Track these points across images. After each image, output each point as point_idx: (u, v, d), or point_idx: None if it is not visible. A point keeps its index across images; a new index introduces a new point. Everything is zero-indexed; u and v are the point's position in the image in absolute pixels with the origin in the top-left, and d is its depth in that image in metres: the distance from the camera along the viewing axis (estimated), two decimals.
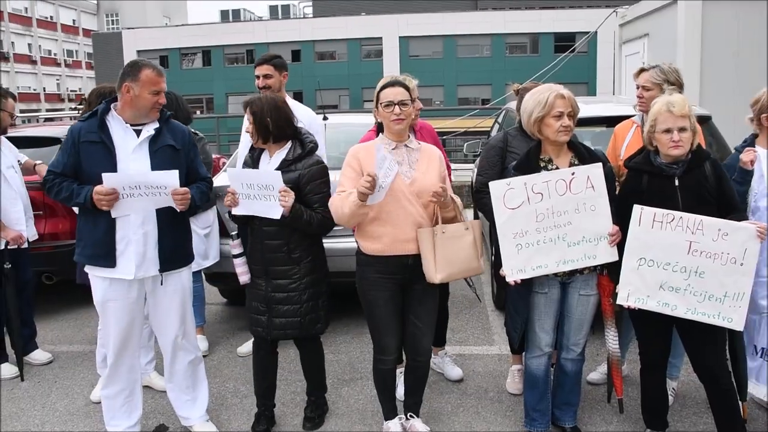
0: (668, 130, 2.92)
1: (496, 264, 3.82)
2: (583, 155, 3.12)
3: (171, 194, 3.15)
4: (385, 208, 3.10)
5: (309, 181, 3.34)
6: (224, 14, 52.93)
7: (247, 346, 4.66)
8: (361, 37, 38.77)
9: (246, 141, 4.24)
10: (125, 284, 3.24)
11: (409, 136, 3.28)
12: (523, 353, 3.56)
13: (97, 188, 3.07)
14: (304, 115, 4.32)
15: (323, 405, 3.82)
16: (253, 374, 3.65)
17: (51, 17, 57.59)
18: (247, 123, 3.47)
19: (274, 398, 3.70)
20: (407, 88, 3.20)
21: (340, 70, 38.17)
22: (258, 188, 3.26)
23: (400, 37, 38.16)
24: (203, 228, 4.62)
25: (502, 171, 3.59)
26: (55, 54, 57.93)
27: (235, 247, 3.48)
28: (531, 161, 3.13)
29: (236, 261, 3.48)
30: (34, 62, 55.27)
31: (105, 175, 3.07)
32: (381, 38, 38.53)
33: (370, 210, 3.08)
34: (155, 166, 3.21)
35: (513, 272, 3.03)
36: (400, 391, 3.65)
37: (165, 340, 3.47)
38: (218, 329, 5.22)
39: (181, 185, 3.21)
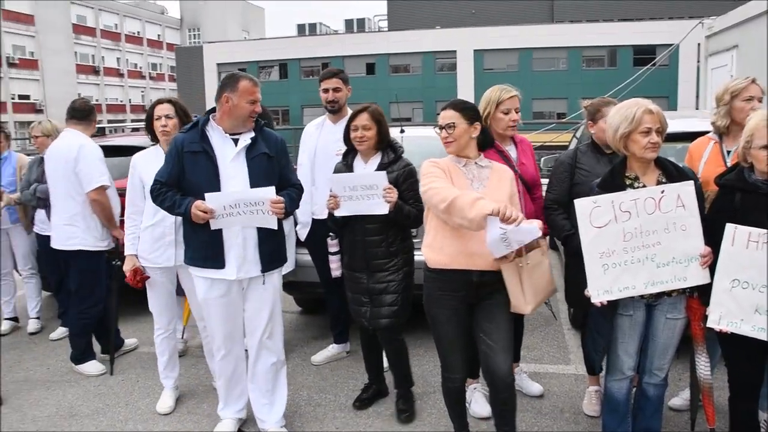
0: (767, 146, 2.79)
1: (570, 284, 3.76)
2: (672, 173, 3.01)
3: (269, 204, 3.28)
4: None
5: (405, 180, 3.64)
6: (301, 28, 54.03)
7: (321, 355, 4.71)
8: (435, 51, 38.86)
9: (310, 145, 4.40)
10: (225, 284, 3.43)
11: (480, 155, 3.20)
12: (600, 374, 3.45)
13: (197, 203, 3.25)
14: None
15: (412, 397, 3.96)
16: (363, 355, 4.05)
17: (138, 32, 60.30)
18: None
19: (382, 374, 4.09)
20: (460, 110, 3.14)
21: (414, 83, 38.35)
22: (362, 189, 3.53)
23: (474, 50, 38.03)
24: None
25: (570, 188, 3.50)
26: (140, 67, 60.57)
27: (332, 246, 3.81)
28: (616, 179, 3.03)
29: (332, 258, 3.83)
30: (121, 75, 57.94)
31: (207, 195, 3.25)
32: (455, 51, 38.50)
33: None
34: (252, 173, 3.38)
35: (599, 293, 2.93)
36: (474, 409, 3.60)
37: (252, 339, 3.61)
38: (293, 338, 5.29)
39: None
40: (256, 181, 3.38)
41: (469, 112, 3.13)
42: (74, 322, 4.76)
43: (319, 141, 4.44)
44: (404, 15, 43.37)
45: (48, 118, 5.53)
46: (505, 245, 2.87)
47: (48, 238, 5.30)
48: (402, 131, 5.27)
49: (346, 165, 3.79)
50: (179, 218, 3.88)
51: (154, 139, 4.05)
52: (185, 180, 3.39)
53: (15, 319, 5.87)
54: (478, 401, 3.91)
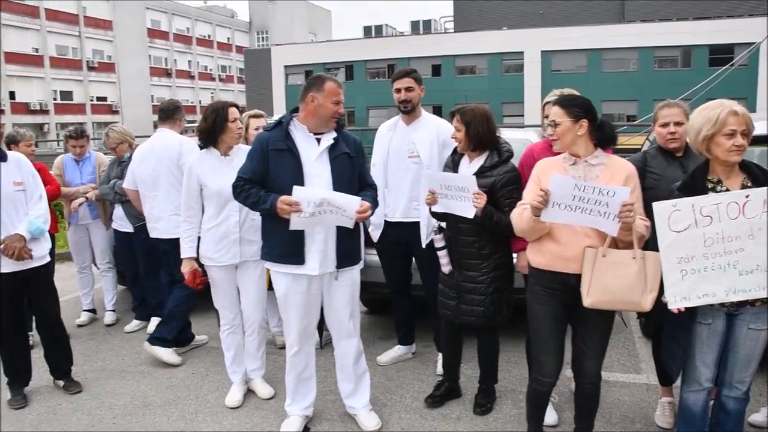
0: None
1: None
2: (758, 176, 2.87)
3: (355, 215, 3.36)
4: (553, 224, 3.05)
5: (502, 186, 3.61)
6: (367, 30, 54.39)
7: (387, 356, 4.72)
8: (502, 52, 38.45)
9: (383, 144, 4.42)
10: (307, 280, 3.52)
11: (594, 151, 3.09)
12: (675, 385, 3.34)
13: (283, 197, 3.30)
14: (441, 128, 4.33)
15: (493, 393, 4.04)
16: (442, 350, 4.19)
17: (209, 36, 61.98)
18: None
19: (458, 372, 4.12)
20: (565, 107, 3.07)
21: (480, 85, 38.06)
22: (455, 189, 3.58)
23: (542, 51, 37.43)
24: None
25: (643, 191, 3.40)
26: (210, 69, 62.25)
27: (438, 240, 3.82)
28: (697, 182, 2.92)
29: (440, 253, 3.81)
30: (192, 77, 59.68)
31: (296, 188, 3.29)
32: (522, 52, 38.00)
33: (545, 225, 3.03)
34: (335, 172, 3.48)
35: (676, 299, 2.83)
36: (548, 419, 3.64)
37: (338, 331, 3.73)
38: None
39: (352, 191, 3.48)
40: (338, 181, 3.47)
41: (575, 109, 3.04)
42: (174, 310, 4.93)
43: (391, 142, 4.42)
44: (471, 16, 43.11)
45: (112, 126, 5.71)
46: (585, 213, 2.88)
47: (124, 234, 5.53)
48: None
49: (453, 162, 3.87)
50: (243, 216, 4.02)
51: (208, 143, 4.05)
52: (269, 178, 3.46)
53: (93, 311, 6.11)
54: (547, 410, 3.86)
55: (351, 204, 3.36)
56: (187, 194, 4.04)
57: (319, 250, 3.46)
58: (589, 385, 3.25)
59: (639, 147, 9.02)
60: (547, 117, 3.40)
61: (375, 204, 3.62)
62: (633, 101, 34.70)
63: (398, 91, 4.34)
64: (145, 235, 5.42)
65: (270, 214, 3.40)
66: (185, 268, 4.09)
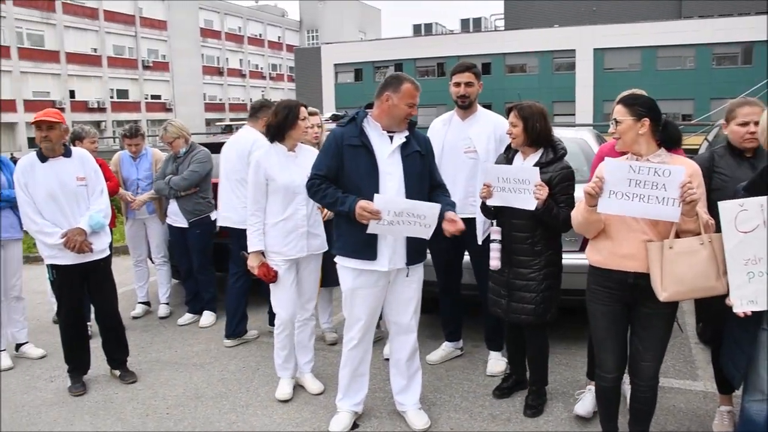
0: None
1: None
2: None
3: (434, 223, 3.38)
4: (608, 220, 3.02)
5: (559, 182, 3.61)
6: (416, 28, 54.29)
7: (436, 354, 4.70)
8: (553, 50, 37.92)
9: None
10: (374, 275, 3.54)
11: (657, 151, 3.01)
12: (732, 393, 3.23)
13: (364, 204, 3.30)
14: (498, 124, 4.30)
15: (544, 395, 3.98)
16: (507, 348, 4.22)
17: (260, 35, 62.85)
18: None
19: (524, 365, 4.06)
20: (628, 105, 3.00)
21: (531, 83, 37.60)
22: (514, 182, 3.59)
23: (594, 49, 36.77)
24: None
25: (709, 193, 3.29)
26: (261, 68, 63.13)
27: (495, 232, 3.80)
28: (766, 181, 2.82)
29: (493, 245, 3.79)
30: (243, 76, 60.62)
31: (377, 196, 3.31)
32: (574, 50, 37.40)
33: (600, 218, 3.00)
34: (407, 170, 3.50)
35: (743, 302, 2.73)
36: (577, 407, 3.73)
37: (397, 326, 3.75)
38: None
39: (423, 189, 3.56)
40: (409, 179, 3.50)
41: (638, 108, 2.98)
42: (235, 298, 5.18)
43: (446, 137, 4.38)
44: (522, 13, 42.64)
45: (170, 121, 5.84)
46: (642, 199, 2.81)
47: (178, 229, 5.64)
48: None
49: (506, 158, 3.89)
50: (309, 210, 4.07)
51: (276, 137, 4.09)
52: (343, 173, 3.48)
53: (147, 303, 6.27)
54: (584, 401, 3.86)
55: (431, 212, 3.36)
56: (254, 188, 4.06)
57: (390, 246, 3.49)
58: (645, 388, 3.18)
59: (696, 147, 8.77)
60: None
61: (453, 207, 3.60)
62: (689, 100, 33.77)
63: (458, 85, 4.29)
64: (200, 230, 5.54)
65: (348, 217, 3.40)
66: (254, 262, 4.07)
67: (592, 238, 3.17)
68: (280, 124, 4.04)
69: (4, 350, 5.00)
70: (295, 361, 4.33)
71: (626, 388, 3.54)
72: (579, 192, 3.19)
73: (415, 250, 3.58)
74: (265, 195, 4.05)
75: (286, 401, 4.16)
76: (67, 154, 4.35)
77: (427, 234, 3.42)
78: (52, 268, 4.33)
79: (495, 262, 3.78)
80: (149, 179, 5.92)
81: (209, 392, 4.34)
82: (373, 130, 3.51)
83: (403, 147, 3.52)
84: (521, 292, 3.72)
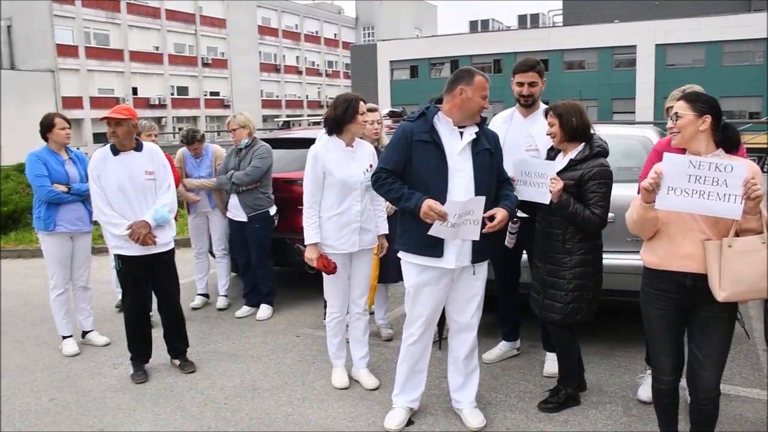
0: None
1: None
2: None
3: (479, 215, 3.35)
4: (665, 219, 2.91)
5: (589, 179, 3.56)
6: (473, 25, 53.90)
7: (492, 353, 4.66)
8: (613, 46, 37.05)
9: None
10: (439, 271, 3.51)
11: (714, 151, 2.90)
12: None
13: (432, 204, 3.27)
14: None
15: (564, 396, 3.90)
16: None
17: (316, 32, 63.46)
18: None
19: (575, 375, 4.00)
20: (691, 101, 2.90)
21: (589, 80, 36.86)
22: (534, 176, 3.66)
23: (656, 44, 35.78)
24: None
25: None
26: (317, 65, 63.74)
27: (513, 227, 3.97)
28: None
29: (510, 225, 3.91)
30: (300, 72, 61.33)
31: (450, 201, 3.30)
32: (635, 46, 36.48)
33: (656, 216, 2.89)
34: (476, 167, 3.45)
35: None
36: (640, 392, 3.65)
37: (458, 324, 3.73)
38: None
39: (491, 186, 3.52)
40: (479, 176, 3.44)
41: (700, 104, 2.88)
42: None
43: (507, 134, 4.29)
44: (581, 9, 41.84)
45: (242, 111, 5.97)
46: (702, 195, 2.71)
47: (238, 223, 5.74)
48: None
49: (549, 158, 3.90)
50: (363, 206, 4.09)
51: (334, 131, 4.10)
52: (411, 169, 3.45)
53: (206, 295, 6.40)
54: (645, 385, 3.86)
55: (477, 206, 3.33)
56: (311, 182, 4.07)
57: (457, 244, 3.44)
58: (705, 400, 3.02)
59: (765, 146, 8.43)
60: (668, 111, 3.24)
61: (513, 206, 3.61)
62: (757, 97, 32.56)
63: (521, 84, 4.21)
64: (259, 224, 5.63)
65: (411, 214, 3.39)
66: (312, 254, 4.08)
67: (648, 238, 3.05)
68: (338, 118, 4.04)
69: (71, 337, 5.19)
70: (345, 351, 4.39)
71: (686, 394, 3.43)
72: (629, 191, 3.09)
73: (480, 247, 3.52)
74: (322, 189, 4.07)
75: (343, 389, 4.22)
76: (138, 148, 4.49)
77: (475, 234, 3.38)
78: (118, 258, 4.47)
79: (510, 241, 3.98)
80: (210, 176, 6.04)
81: (266, 384, 4.40)
82: (444, 126, 3.46)
83: (474, 144, 3.46)
84: (552, 289, 3.70)
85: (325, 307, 5.13)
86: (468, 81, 3.40)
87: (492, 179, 3.55)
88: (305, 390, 4.29)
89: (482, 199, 3.35)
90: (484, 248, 3.57)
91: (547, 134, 3.74)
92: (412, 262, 3.55)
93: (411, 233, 3.50)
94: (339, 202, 4.06)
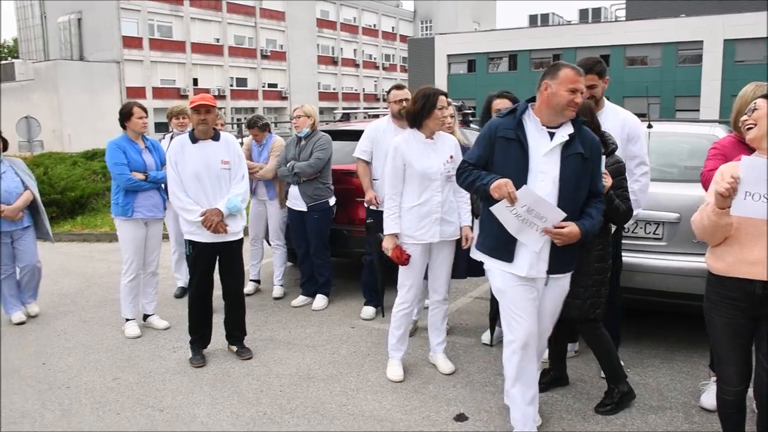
0: None
1: None
2: None
3: (549, 228, 3.12)
4: (735, 223, 2.75)
5: (613, 177, 3.57)
6: (532, 18, 53.09)
7: (548, 353, 4.57)
8: (678, 41, 35.92)
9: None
10: (512, 278, 3.29)
11: None
12: None
13: (509, 181, 3.08)
14: (626, 120, 4.13)
15: (618, 395, 3.81)
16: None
17: (374, 25, 63.58)
18: None
19: (562, 361, 4.14)
20: None
21: (652, 77, 35.81)
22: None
23: (725, 40, 34.51)
24: None
25: None
26: (374, 58, 63.90)
27: None
28: None
29: None
30: (357, 66, 61.61)
31: (525, 187, 3.08)
32: (701, 42, 35.26)
33: (731, 222, 2.73)
34: (564, 172, 3.17)
35: None
36: (703, 399, 3.54)
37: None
38: None
39: (578, 196, 3.22)
40: (565, 183, 3.17)
41: None
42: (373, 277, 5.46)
43: None
44: (644, 3, 40.62)
45: (311, 104, 6.10)
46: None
47: (297, 212, 5.80)
48: (650, 126, 4.95)
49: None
50: (444, 197, 4.09)
51: (414, 125, 4.12)
52: (492, 166, 3.28)
53: (257, 281, 6.51)
54: (709, 392, 3.74)
55: (555, 216, 3.10)
56: (392, 173, 4.12)
57: (531, 252, 3.21)
58: None
59: None
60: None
61: (590, 229, 3.22)
62: None
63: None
64: (318, 214, 5.68)
65: (484, 193, 3.23)
66: (389, 244, 4.13)
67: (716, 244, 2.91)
68: (416, 113, 4.07)
69: (134, 320, 5.34)
70: (406, 345, 4.40)
71: (753, 405, 3.30)
72: (695, 190, 2.96)
73: (560, 258, 3.25)
74: (402, 180, 4.12)
75: (398, 382, 4.22)
76: (216, 137, 4.60)
77: (536, 243, 3.16)
78: (190, 243, 4.59)
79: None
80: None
81: (321, 374, 4.44)
82: (532, 124, 3.23)
83: (566, 146, 3.18)
84: (573, 286, 3.55)
85: (370, 301, 5.23)
86: (552, 75, 3.17)
87: (581, 189, 3.23)
88: (360, 381, 4.31)
89: (561, 215, 3.11)
90: (566, 259, 3.29)
91: None
92: (490, 266, 3.39)
93: (485, 233, 3.38)
94: (419, 193, 4.09)
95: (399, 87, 5.41)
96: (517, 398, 3.40)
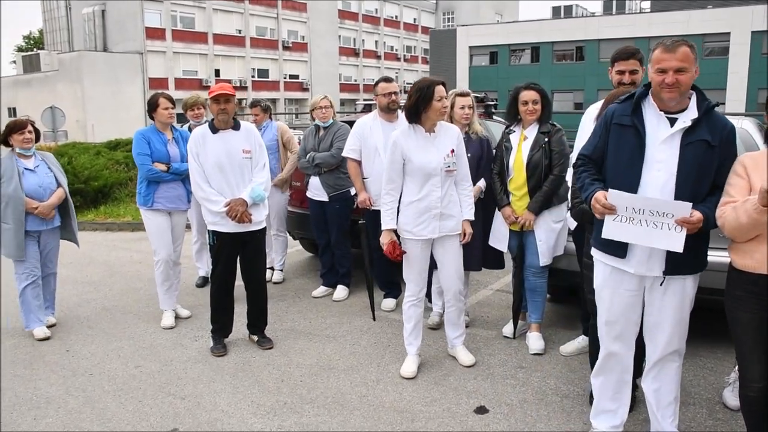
0: None
1: None
2: None
3: (678, 222, 2.78)
4: None
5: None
6: (556, 10, 52.51)
7: (570, 346, 4.54)
8: (704, 33, 35.35)
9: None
10: (625, 276, 3.08)
11: None
12: None
13: (598, 195, 2.91)
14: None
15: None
16: None
17: (396, 16, 63.34)
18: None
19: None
20: None
21: None
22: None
23: (752, 31, 33.88)
24: (556, 222, 4.53)
25: None
26: (396, 50, 63.68)
27: None
28: None
29: None
30: (378, 57, 61.44)
31: (611, 192, 2.88)
32: (729, 33, 34.66)
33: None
34: (683, 161, 2.86)
35: None
36: (726, 395, 3.43)
37: (653, 346, 3.20)
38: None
39: (700, 187, 2.89)
40: (684, 173, 2.86)
41: None
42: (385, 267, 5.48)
43: None
44: None
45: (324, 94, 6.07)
46: None
47: (318, 203, 5.79)
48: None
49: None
50: (444, 191, 4.04)
51: (413, 119, 4.05)
52: (607, 154, 3.05)
53: (271, 268, 6.47)
54: (731, 390, 3.72)
55: (679, 210, 2.77)
56: (390, 167, 4.10)
57: (643, 249, 2.96)
58: None
59: None
60: None
61: (710, 209, 2.85)
62: None
63: (621, 73, 3.93)
64: (339, 204, 5.68)
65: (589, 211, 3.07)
66: (385, 239, 4.13)
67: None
68: (412, 108, 4.02)
69: (170, 311, 5.38)
70: (421, 339, 4.37)
71: None
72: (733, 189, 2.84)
73: (680, 257, 2.89)
74: (401, 175, 4.09)
75: (410, 379, 4.19)
76: (236, 127, 4.60)
77: (678, 244, 2.79)
78: (214, 234, 4.60)
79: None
80: (269, 150, 5.95)
81: (341, 364, 4.44)
82: (651, 110, 2.94)
83: (688, 132, 2.86)
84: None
85: (389, 293, 5.27)
86: (650, 58, 2.95)
87: (704, 179, 2.88)
88: (380, 372, 4.31)
89: (685, 205, 2.77)
90: (688, 259, 2.93)
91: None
92: (599, 260, 3.19)
93: (600, 227, 3.04)
94: (419, 188, 4.05)
95: (387, 79, 5.37)
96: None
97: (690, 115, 2.89)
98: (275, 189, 6.20)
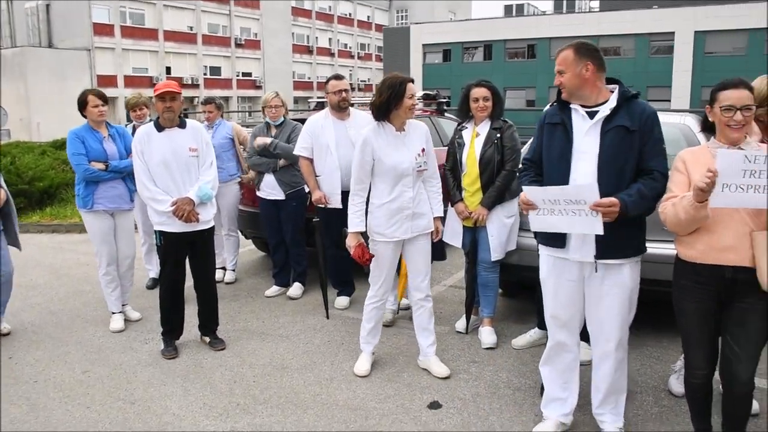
0: None
1: None
2: None
3: (591, 208, 2.91)
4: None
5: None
6: (508, 9, 53.26)
7: (522, 339, 4.61)
8: (650, 32, 36.29)
9: None
10: (566, 265, 3.21)
11: (745, 137, 2.86)
12: None
13: (521, 195, 3.15)
14: None
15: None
16: None
17: (350, 14, 63.23)
18: None
19: None
20: (752, 90, 2.82)
21: (625, 67, 36.10)
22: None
23: (695, 31, 34.93)
24: (508, 217, 4.56)
25: None
26: (350, 47, 63.59)
27: None
28: None
29: None
30: (332, 55, 61.24)
31: (526, 189, 3.12)
32: (673, 33, 35.66)
33: (707, 214, 2.75)
34: (603, 149, 3.02)
35: None
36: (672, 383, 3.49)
37: (593, 338, 3.32)
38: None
39: (624, 172, 3.02)
40: (605, 158, 3.02)
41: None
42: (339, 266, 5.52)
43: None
44: None
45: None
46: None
47: (272, 202, 5.72)
48: None
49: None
50: (415, 191, 3.99)
51: (381, 117, 3.96)
52: (543, 152, 3.26)
53: (222, 268, 6.44)
54: (676, 378, 3.86)
55: (588, 194, 2.91)
56: (359, 168, 3.95)
57: (577, 235, 3.12)
58: (739, 393, 2.93)
59: None
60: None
61: (635, 203, 2.96)
62: None
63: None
64: (295, 202, 5.63)
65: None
66: (352, 242, 4.00)
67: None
68: (382, 105, 3.89)
69: (120, 313, 5.26)
70: (378, 338, 4.34)
71: (719, 387, 3.34)
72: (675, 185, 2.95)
73: (609, 241, 3.01)
74: (369, 175, 3.97)
75: (364, 377, 4.18)
76: (183, 125, 4.52)
77: (597, 227, 2.93)
78: (160, 234, 4.51)
79: None
80: (222, 148, 6.10)
81: (294, 364, 4.41)
82: (575, 107, 3.16)
83: (607, 121, 3.05)
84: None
85: (342, 291, 5.30)
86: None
87: (626, 162, 3.02)
88: (333, 370, 4.30)
89: (592, 187, 2.91)
90: (616, 244, 3.06)
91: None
92: (543, 254, 3.33)
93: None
94: (390, 189, 3.95)
95: (338, 77, 5.34)
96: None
97: (610, 105, 3.08)
98: (227, 187, 6.12)
